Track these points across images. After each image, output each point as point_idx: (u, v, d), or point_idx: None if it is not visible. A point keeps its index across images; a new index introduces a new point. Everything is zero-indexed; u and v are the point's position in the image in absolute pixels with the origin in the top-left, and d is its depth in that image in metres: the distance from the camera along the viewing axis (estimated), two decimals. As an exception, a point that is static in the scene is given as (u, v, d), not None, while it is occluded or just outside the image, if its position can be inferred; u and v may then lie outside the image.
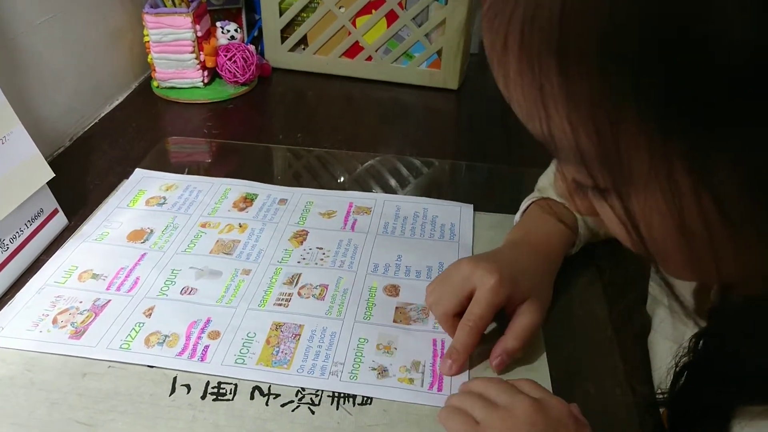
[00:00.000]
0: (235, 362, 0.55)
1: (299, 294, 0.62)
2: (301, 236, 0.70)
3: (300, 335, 0.57)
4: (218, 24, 1.02)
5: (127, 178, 0.79)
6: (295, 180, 0.81)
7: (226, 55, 1.00)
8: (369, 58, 1.06)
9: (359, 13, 1.03)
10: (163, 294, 0.62)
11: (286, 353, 0.56)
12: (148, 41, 0.97)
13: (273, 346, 0.56)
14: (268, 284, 0.63)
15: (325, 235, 0.70)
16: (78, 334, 0.57)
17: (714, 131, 0.26)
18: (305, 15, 1.06)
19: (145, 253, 0.67)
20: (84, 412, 0.50)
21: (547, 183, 0.65)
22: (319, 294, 0.62)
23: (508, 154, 0.83)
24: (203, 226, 0.71)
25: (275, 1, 1.05)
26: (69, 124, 0.90)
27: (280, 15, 1.06)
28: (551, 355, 0.56)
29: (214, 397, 0.52)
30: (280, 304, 0.61)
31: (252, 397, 0.52)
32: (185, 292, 0.62)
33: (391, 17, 1.02)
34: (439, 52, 1.03)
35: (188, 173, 0.81)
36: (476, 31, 1.06)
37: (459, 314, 0.55)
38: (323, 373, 0.54)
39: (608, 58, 0.26)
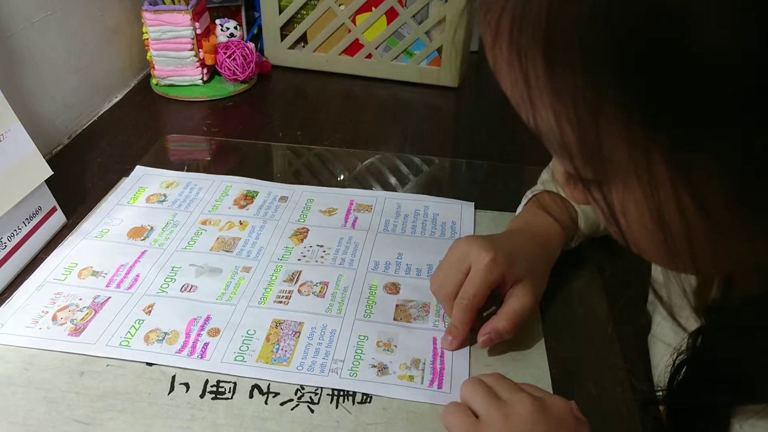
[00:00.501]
0: (235, 359, 0.54)
1: (299, 291, 0.62)
2: (301, 234, 0.70)
3: (300, 332, 0.57)
4: (218, 21, 1.02)
5: (126, 175, 0.78)
6: (295, 178, 0.81)
7: (225, 53, 1.00)
8: (369, 56, 1.06)
9: (359, 11, 1.03)
10: (163, 291, 0.61)
11: (285, 350, 0.55)
12: (147, 38, 0.97)
13: (273, 344, 0.56)
14: (269, 281, 0.63)
15: (325, 232, 0.70)
16: (77, 331, 0.57)
17: (694, 128, 0.27)
18: (305, 12, 1.06)
19: (145, 251, 0.66)
20: (82, 411, 0.50)
21: (550, 176, 0.65)
22: (320, 291, 0.62)
23: (509, 151, 0.83)
24: (204, 223, 0.71)
25: (275, -2, 1.05)
26: (67, 122, 0.89)
27: (280, 12, 1.06)
28: (551, 353, 0.56)
29: (213, 395, 0.52)
30: (280, 302, 0.60)
31: (251, 396, 0.52)
32: (185, 290, 0.62)
33: (391, 15, 1.02)
34: (439, 50, 1.03)
35: (187, 171, 0.80)
36: (476, 29, 1.06)
37: None
38: (323, 370, 0.54)
39: (591, 52, 0.27)
